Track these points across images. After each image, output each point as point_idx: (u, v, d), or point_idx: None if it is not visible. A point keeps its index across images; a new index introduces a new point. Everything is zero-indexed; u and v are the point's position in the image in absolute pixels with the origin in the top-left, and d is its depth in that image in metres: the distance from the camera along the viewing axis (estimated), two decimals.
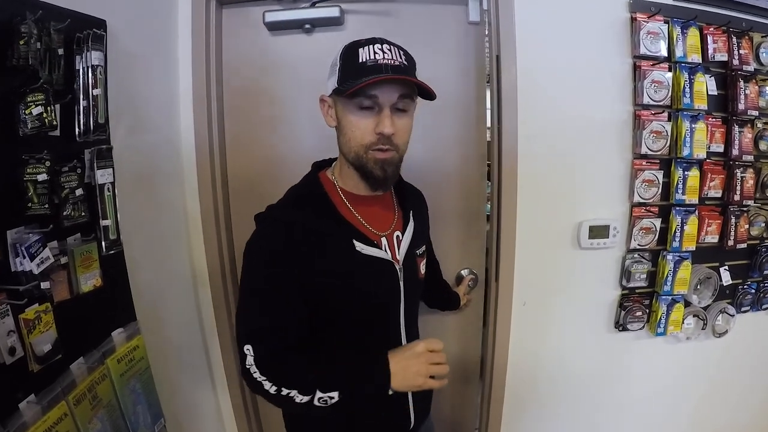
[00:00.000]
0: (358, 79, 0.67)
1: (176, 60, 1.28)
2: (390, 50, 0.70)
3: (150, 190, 1.22)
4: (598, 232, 1.41)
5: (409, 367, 0.70)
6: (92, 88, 0.90)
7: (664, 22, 1.35)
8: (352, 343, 0.78)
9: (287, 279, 0.70)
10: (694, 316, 1.56)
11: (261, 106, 1.41)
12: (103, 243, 0.94)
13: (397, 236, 0.81)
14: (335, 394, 0.68)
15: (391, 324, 0.82)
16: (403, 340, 0.84)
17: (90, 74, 0.90)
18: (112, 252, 0.97)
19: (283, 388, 0.68)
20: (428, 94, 0.75)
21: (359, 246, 0.74)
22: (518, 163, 1.36)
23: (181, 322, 1.40)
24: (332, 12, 1.28)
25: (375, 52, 0.68)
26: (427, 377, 0.72)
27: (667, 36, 1.35)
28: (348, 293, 0.75)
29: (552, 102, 1.37)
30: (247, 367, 0.70)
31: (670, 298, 1.49)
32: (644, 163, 1.39)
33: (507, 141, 1.34)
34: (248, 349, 0.69)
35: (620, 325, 1.52)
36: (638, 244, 1.44)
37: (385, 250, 0.78)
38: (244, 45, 1.37)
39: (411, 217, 0.84)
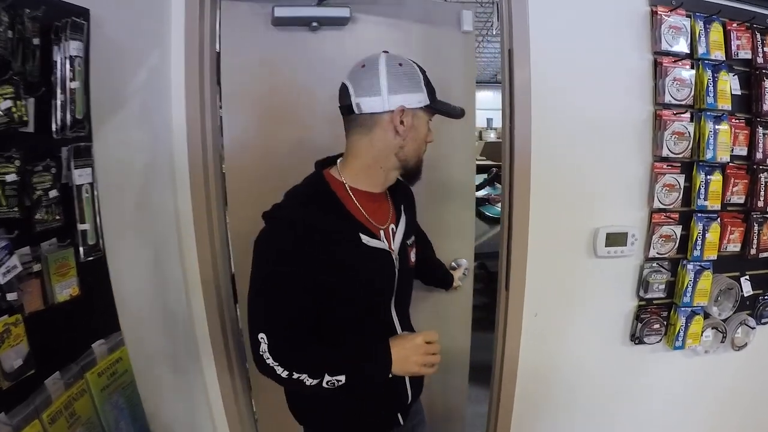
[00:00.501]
0: (438, 101, 0.84)
1: (168, 52, 1.21)
2: None
3: (137, 191, 1.15)
4: (616, 239, 1.32)
5: (409, 357, 0.80)
6: (70, 81, 0.82)
7: (686, 16, 1.27)
8: (349, 327, 0.85)
9: (294, 278, 0.75)
10: (712, 328, 1.47)
11: (262, 103, 1.31)
12: (80, 248, 0.86)
13: (392, 229, 0.88)
14: (342, 378, 0.76)
15: (384, 308, 0.89)
16: (396, 324, 0.91)
17: (68, 66, 0.83)
18: (92, 258, 0.89)
19: (294, 373, 0.75)
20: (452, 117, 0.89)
21: (365, 239, 0.81)
22: (531, 165, 1.28)
23: (171, 331, 1.32)
24: (342, 12, 1.26)
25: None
26: (422, 366, 0.82)
27: (689, 31, 1.26)
28: (353, 285, 0.81)
29: (566, 100, 1.29)
30: (261, 353, 0.75)
31: (689, 309, 1.41)
32: (665, 166, 1.31)
33: (520, 141, 1.26)
34: (262, 337, 0.74)
35: (636, 338, 1.44)
36: (657, 253, 1.35)
37: (383, 241, 0.85)
38: (243, 39, 1.29)
39: (402, 211, 0.92)
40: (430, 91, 0.82)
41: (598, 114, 1.31)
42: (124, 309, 1.06)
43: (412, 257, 0.94)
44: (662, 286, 1.39)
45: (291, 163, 1.25)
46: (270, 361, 0.75)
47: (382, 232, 0.86)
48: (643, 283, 1.39)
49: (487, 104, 21.36)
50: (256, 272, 0.78)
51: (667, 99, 1.26)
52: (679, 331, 1.42)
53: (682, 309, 1.40)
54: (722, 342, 1.49)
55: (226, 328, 1.38)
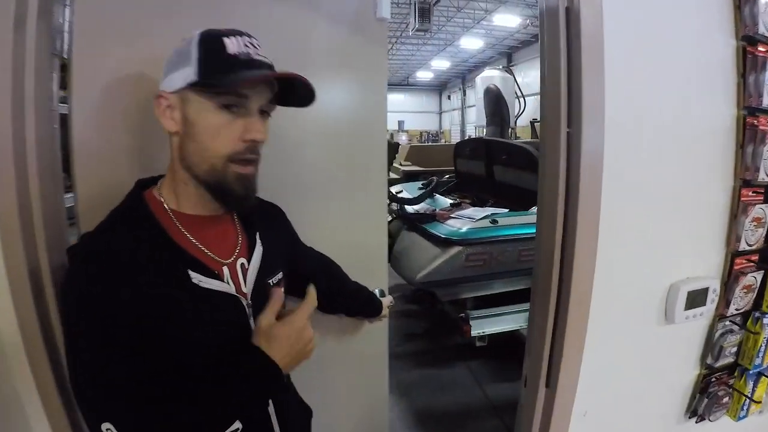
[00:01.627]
0: (231, 73, 0.58)
1: None
2: (258, 47, 0.62)
3: None
4: (696, 298, 0.94)
5: (294, 345, 0.62)
6: None
7: None
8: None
9: (118, 325, 0.54)
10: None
11: (138, 87, 0.81)
12: None
13: (242, 264, 0.69)
14: (237, 425, 0.58)
15: None
16: None
17: None
18: None
19: None
20: (303, 101, 0.67)
21: (196, 278, 0.61)
22: (602, 197, 0.82)
23: None
24: None
25: (246, 45, 0.60)
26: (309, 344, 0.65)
27: None
28: (185, 336, 0.60)
29: (627, 102, 0.87)
30: None
31: (756, 372, 1.10)
32: (750, 193, 0.96)
33: (588, 161, 0.80)
34: (108, 429, 0.52)
35: (699, 416, 1.09)
36: (736, 309, 1.01)
37: (228, 282, 0.65)
38: None
39: (258, 240, 0.72)
40: (211, 63, 0.58)
41: (667, 119, 0.91)
42: None
43: None
44: (734, 350, 1.06)
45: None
46: None
47: (225, 269, 0.66)
48: (713, 348, 1.04)
49: (399, 106, 22.32)
50: (70, 331, 0.55)
51: (766, 102, 0.91)
52: (745, 400, 1.10)
53: (751, 373, 1.09)
54: None
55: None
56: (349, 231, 1.04)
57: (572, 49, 0.79)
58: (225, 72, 0.57)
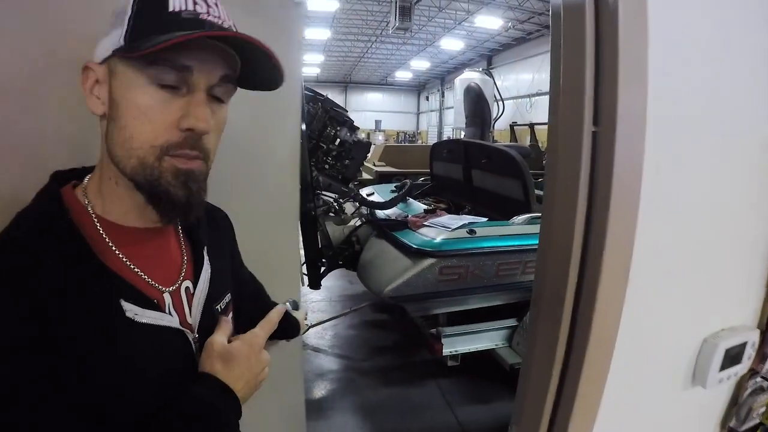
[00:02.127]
0: (166, 33, 0.44)
1: None
2: (216, 5, 0.49)
3: None
4: (733, 355, 0.74)
5: (253, 368, 0.56)
6: None
7: None
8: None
9: (18, 360, 0.42)
10: None
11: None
12: None
13: (187, 289, 0.56)
14: None
15: None
16: None
17: None
18: None
19: None
20: (267, 82, 0.54)
21: (130, 310, 0.49)
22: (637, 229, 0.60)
23: None
24: None
25: (195, 2, 0.47)
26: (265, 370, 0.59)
27: None
28: (116, 383, 0.48)
29: (670, 104, 0.66)
30: None
31: None
32: None
33: (624, 179, 0.58)
34: None
35: None
36: None
37: (170, 313, 0.53)
38: None
39: (205, 256, 0.60)
40: (145, 23, 0.45)
41: (712, 127, 0.71)
42: None
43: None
44: (762, 410, 0.87)
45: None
46: None
47: (167, 297, 0.53)
48: (739, 410, 0.85)
49: (377, 106, 22.12)
50: None
51: None
52: None
53: None
54: None
55: None
56: (257, 235, 0.93)
57: (602, 29, 0.56)
58: (160, 33, 0.45)
